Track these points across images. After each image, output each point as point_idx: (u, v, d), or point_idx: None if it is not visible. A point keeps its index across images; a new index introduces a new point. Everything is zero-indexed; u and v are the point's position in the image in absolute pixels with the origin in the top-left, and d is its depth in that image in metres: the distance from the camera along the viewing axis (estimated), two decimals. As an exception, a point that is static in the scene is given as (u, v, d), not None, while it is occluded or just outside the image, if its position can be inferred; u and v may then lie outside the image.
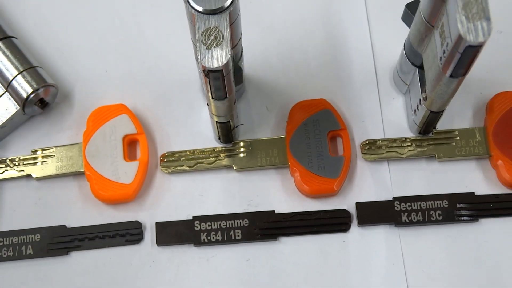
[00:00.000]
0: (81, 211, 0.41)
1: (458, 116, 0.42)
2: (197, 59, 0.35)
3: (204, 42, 0.31)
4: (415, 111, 0.39)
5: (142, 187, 0.41)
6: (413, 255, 0.39)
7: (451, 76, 0.32)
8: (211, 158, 0.41)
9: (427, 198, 0.40)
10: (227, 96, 0.34)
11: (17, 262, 0.39)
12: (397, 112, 0.43)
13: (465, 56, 0.29)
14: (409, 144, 0.41)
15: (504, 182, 0.39)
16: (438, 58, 0.32)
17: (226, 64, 0.30)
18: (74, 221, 0.41)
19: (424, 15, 0.33)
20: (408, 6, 0.36)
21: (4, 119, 0.41)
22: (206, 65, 0.30)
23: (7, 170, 0.41)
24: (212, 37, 0.31)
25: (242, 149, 0.41)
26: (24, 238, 0.40)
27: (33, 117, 0.43)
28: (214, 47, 0.31)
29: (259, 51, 0.41)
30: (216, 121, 0.38)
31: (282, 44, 0.44)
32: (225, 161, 0.41)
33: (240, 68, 0.36)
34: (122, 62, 0.44)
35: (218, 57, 0.31)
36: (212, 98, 0.34)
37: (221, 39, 0.31)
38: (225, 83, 0.33)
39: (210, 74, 0.31)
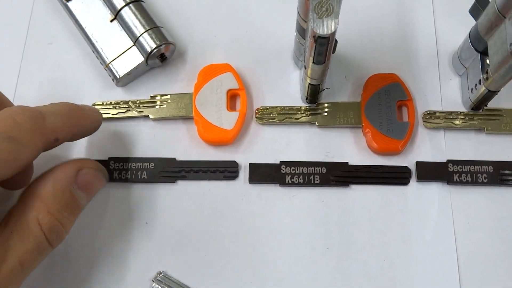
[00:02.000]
0: (188, 148, 0.42)
1: (505, 98, 0.43)
2: (298, 30, 0.37)
3: (317, 12, 0.32)
4: (472, 89, 0.41)
5: (240, 134, 0.43)
6: (461, 209, 0.41)
7: (518, 59, 0.32)
8: (298, 114, 0.43)
9: (476, 163, 0.41)
10: (325, 61, 0.36)
11: (132, 184, 0.42)
12: (453, 90, 0.44)
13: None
14: (463, 117, 0.43)
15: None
16: (508, 44, 0.33)
17: (333, 33, 0.32)
18: (182, 155, 0.42)
19: (498, 6, 0.35)
20: (477, 1, 0.38)
21: (130, 68, 0.43)
22: (317, 31, 0.32)
23: (129, 110, 0.43)
24: (323, 8, 0.32)
25: (324, 109, 0.43)
26: (140, 165, 0.42)
27: (154, 69, 0.45)
28: (325, 17, 0.32)
29: (342, 30, 0.42)
30: (309, 83, 0.40)
31: (361, 25, 0.46)
32: (309, 118, 0.43)
33: (337, 40, 0.37)
34: (228, 29, 0.46)
35: (328, 26, 0.32)
36: (313, 62, 0.36)
37: (331, 11, 0.32)
38: (327, 50, 0.34)
39: (318, 40, 0.33)
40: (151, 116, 0.43)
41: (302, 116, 0.43)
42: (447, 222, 0.40)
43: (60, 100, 0.39)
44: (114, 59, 0.43)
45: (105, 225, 0.41)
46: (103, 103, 0.44)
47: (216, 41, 0.46)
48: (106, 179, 0.36)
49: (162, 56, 0.43)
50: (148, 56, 0.42)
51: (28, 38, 0.46)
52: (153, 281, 0.36)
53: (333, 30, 0.32)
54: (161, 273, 0.36)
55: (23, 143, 0.28)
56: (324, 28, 0.32)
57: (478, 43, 0.39)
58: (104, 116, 0.42)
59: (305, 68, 0.38)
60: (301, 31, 0.38)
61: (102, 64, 0.44)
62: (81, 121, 0.34)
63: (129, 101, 0.44)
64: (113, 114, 0.43)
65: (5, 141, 0.27)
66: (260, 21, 0.46)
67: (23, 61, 0.46)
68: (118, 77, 0.43)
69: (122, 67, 0.43)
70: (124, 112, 0.44)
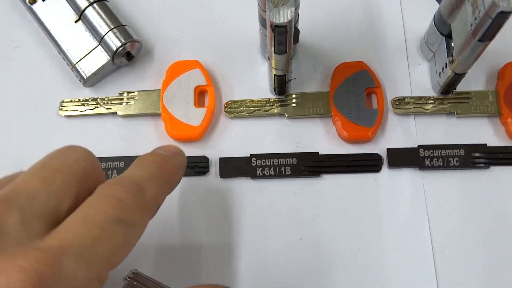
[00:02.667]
0: (157, 145, 0.39)
1: (474, 80, 0.43)
2: (260, 22, 0.37)
3: (273, 2, 0.32)
4: (439, 73, 0.40)
5: (209, 129, 0.42)
6: (434, 194, 0.40)
7: (479, 40, 0.33)
8: (266, 107, 0.42)
9: (447, 147, 0.41)
10: (287, 51, 0.35)
11: None
12: (422, 75, 0.43)
13: (495, 22, 0.31)
14: (432, 102, 0.42)
15: (512, 136, 0.39)
16: (469, 25, 0.32)
17: (290, 21, 0.31)
18: (152, 153, 0.40)
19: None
20: (440, -16, 0.36)
21: (97, 67, 0.43)
22: (274, 21, 0.31)
23: (97, 107, 0.43)
24: (280, -2, 0.30)
25: (293, 100, 0.42)
26: (110, 164, 0.42)
27: (121, 68, 0.44)
28: (281, 6, 0.31)
29: (308, 21, 0.42)
30: (274, 74, 0.39)
31: (327, 14, 0.45)
32: (278, 110, 0.42)
33: (298, 29, 0.36)
34: (195, 25, 0.45)
35: (284, 14, 0.31)
36: (274, 52, 0.35)
37: (286, 0, 0.31)
38: (287, 39, 0.34)
39: (276, 29, 0.32)
40: (119, 113, 0.43)
41: (271, 108, 0.42)
42: (420, 208, 0.40)
43: (28, 104, 0.41)
44: (80, 60, 0.43)
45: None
46: (71, 100, 0.43)
47: (183, 38, 0.45)
48: None
49: (128, 55, 0.43)
50: (113, 54, 0.42)
51: (-5, 43, 0.44)
52: (125, 279, 0.35)
53: (289, 18, 0.31)
54: (133, 271, 0.35)
55: (133, 224, 0.25)
56: (281, 17, 0.32)
57: (443, 27, 0.38)
58: (71, 113, 0.43)
59: (269, 59, 0.37)
60: (263, 23, 0.38)
61: (68, 65, 0.43)
62: (173, 177, 0.31)
63: (98, 98, 0.43)
64: (81, 111, 0.43)
65: (117, 225, 0.24)
66: (226, 16, 0.46)
67: None
68: (85, 77, 0.42)
69: (88, 67, 0.43)
70: (93, 109, 0.43)
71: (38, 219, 0.23)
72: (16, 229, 0.22)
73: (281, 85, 0.41)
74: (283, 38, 0.34)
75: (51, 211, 0.24)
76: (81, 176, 0.25)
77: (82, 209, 0.24)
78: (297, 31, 0.36)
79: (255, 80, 0.44)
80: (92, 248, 0.23)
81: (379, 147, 0.42)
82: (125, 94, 0.43)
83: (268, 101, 0.43)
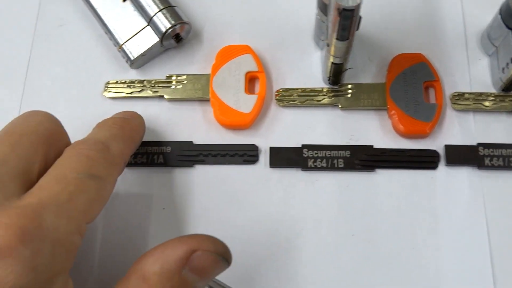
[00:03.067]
0: (205, 131, 0.40)
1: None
2: (319, 7, 0.36)
3: None
4: (503, 69, 0.38)
5: (259, 117, 0.40)
6: (493, 194, 0.38)
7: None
8: (319, 96, 0.41)
9: (508, 146, 0.39)
10: (349, 38, 0.34)
11: (148, 168, 0.40)
12: (483, 70, 0.42)
13: None
14: (493, 98, 0.41)
15: None
16: None
17: (358, 5, 0.30)
18: (199, 139, 0.40)
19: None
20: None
21: (145, 49, 0.41)
22: (342, 4, 0.30)
23: (144, 89, 0.41)
24: (348, -20, 0.28)
25: (348, 91, 0.41)
26: (157, 149, 0.40)
27: (169, 50, 0.43)
28: None
29: (364, 9, 0.38)
30: (332, 62, 0.37)
31: (384, 4, 0.44)
32: (331, 100, 0.41)
33: (361, 16, 0.35)
34: (246, 8, 0.44)
35: None
36: (337, 38, 0.34)
37: None
38: (352, 24, 0.32)
39: (343, 13, 0.31)
40: (166, 97, 0.41)
41: (324, 98, 0.41)
42: (478, 208, 0.38)
43: (73, 84, 0.40)
44: (127, 40, 0.41)
45: (121, 211, 0.38)
46: (117, 81, 0.42)
47: (233, 21, 0.43)
48: (227, 263, 0.29)
49: (177, 37, 0.41)
50: (162, 36, 0.40)
51: (39, 20, 0.44)
52: None
53: (358, 1, 0.30)
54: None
55: (104, 178, 0.28)
56: (349, 0, 0.30)
57: (510, 19, 0.36)
58: (117, 95, 0.41)
59: (328, 46, 0.36)
60: (323, 8, 0.36)
61: (115, 46, 0.42)
62: (134, 135, 0.35)
63: (144, 80, 0.42)
64: (127, 93, 0.41)
65: (89, 180, 0.27)
66: (278, 1, 0.44)
67: (33, 44, 0.44)
68: (132, 58, 0.41)
69: (136, 48, 0.41)
70: (139, 91, 0.42)
71: (11, 181, 0.25)
72: None
73: (337, 74, 0.39)
74: (348, 23, 0.32)
75: (23, 172, 0.25)
76: (47, 138, 0.28)
77: (54, 169, 0.26)
78: (360, 18, 0.35)
79: (307, 68, 0.42)
80: (69, 203, 0.25)
81: (436, 144, 0.40)
82: (174, 78, 0.42)
83: (321, 90, 0.41)
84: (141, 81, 0.42)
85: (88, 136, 0.32)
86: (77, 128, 0.38)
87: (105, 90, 0.42)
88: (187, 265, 0.28)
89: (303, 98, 0.41)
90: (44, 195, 0.25)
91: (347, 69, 0.39)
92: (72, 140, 0.33)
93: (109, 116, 0.38)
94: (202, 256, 0.28)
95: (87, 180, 0.26)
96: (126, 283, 0.28)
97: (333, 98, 0.41)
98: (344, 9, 0.30)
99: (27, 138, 0.27)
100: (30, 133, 0.27)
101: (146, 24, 0.41)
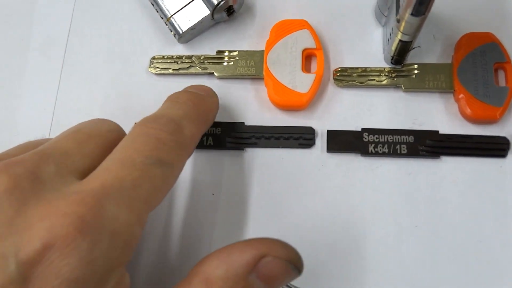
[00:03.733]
0: (257, 112, 0.38)
1: None
2: None
3: None
4: None
5: (315, 98, 0.38)
6: None
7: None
8: (381, 76, 0.38)
9: None
10: (425, 13, 0.31)
11: (196, 151, 0.38)
12: None
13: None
14: None
15: None
16: None
17: None
18: (251, 120, 0.38)
19: None
20: None
21: (194, 22, 0.39)
22: None
23: (192, 66, 0.39)
24: None
25: (414, 71, 0.38)
26: (209, 130, 0.38)
27: (219, 24, 0.40)
28: None
29: None
30: (400, 40, 0.35)
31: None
32: (394, 81, 0.38)
33: None
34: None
35: None
36: (411, 14, 0.31)
37: None
38: (431, -2, 0.28)
39: None
40: (216, 74, 0.39)
41: (385, 79, 0.38)
42: None
43: (116, 58, 0.38)
44: (176, 12, 0.39)
45: (170, 195, 0.36)
46: (163, 56, 0.39)
47: (287, -6, 0.39)
48: (298, 272, 0.26)
49: (229, 9, 0.39)
50: (214, 8, 0.38)
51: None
52: None
53: None
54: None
55: (172, 165, 0.26)
56: None
57: None
58: (164, 71, 0.39)
59: (398, 22, 0.33)
60: None
61: (162, 18, 0.39)
62: (208, 116, 0.32)
63: (193, 56, 0.39)
64: (174, 70, 0.39)
65: (157, 166, 0.25)
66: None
67: (74, 12, 0.42)
68: (180, 32, 0.38)
69: (185, 21, 0.39)
70: (187, 68, 0.39)
71: (71, 174, 0.24)
72: (52, 179, 0.22)
73: (402, 53, 0.36)
74: (428, -4, 0.28)
75: (83, 170, 0.24)
76: (114, 146, 0.26)
77: (120, 150, 0.25)
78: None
79: (367, 46, 0.39)
80: (132, 190, 0.23)
81: (506, 130, 0.37)
82: (226, 53, 0.39)
83: (382, 70, 0.39)
84: (189, 57, 0.39)
85: (159, 112, 0.29)
86: (120, 106, 0.36)
87: (150, 66, 0.39)
88: (255, 271, 0.25)
89: (363, 78, 0.38)
90: (108, 180, 0.23)
91: (413, 48, 0.36)
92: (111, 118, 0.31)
93: (153, 94, 0.37)
94: (272, 262, 0.25)
95: (154, 167, 0.25)
96: (187, 286, 0.26)
97: (395, 79, 0.38)
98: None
99: (95, 140, 0.26)
100: (99, 136, 0.26)
101: (197, -5, 0.37)
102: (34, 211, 0.21)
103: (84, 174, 0.24)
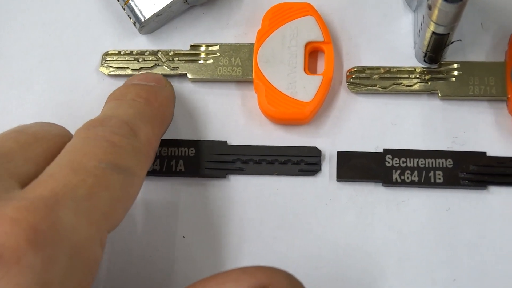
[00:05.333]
0: (245, 127, 0.41)
1: None
2: None
3: None
4: None
5: (322, 107, 0.41)
6: None
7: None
8: (410, 79, 0.41)
9: None
10: None
11: (162, 179, 0.41)
12: None
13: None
14: None
15: None
16: None
17: None
18: (236, 137, 0.41)
19: None
20: None
21: (161, 7, 0.41)
22: None
23: (158, 64, 0.42)
24: None
25: (453, 73, 0.40)
26: (175, 151, 0.40)
27: (194, 8, 0.43)
28: None
29: None
30: (433, 32, 0.37)
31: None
32: (427, 85, 0.41)
33: None
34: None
35: None
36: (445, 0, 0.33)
37: None
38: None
39: None
40: (190, 76, 0.41)
41: (416, 82, 0.41)
42: None
43: (57, 54, 0.41)
44: (136, -7, 0.39)
45: (125, 240, 0.39)
46: (119, 52, 0.42)
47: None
48: None
49: (208, -11, 0.39)
50: (187, -13, 0.38)
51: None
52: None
53: None
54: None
55: (131, 171, 0.29)
56: None
57: None
58: (119, 72, 0.41)
59: (429, 9, 0.36)
60: None
61: (118, 2, 0.41)
62: (164, 113, 0.35)
63: (159, 51, 0.42)
64: (134, 70, 0.41)
65: (114, 172, 0.28)
66: None
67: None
68: (142, 19, 0.41)
69: (149, 5, 0.41)
70: (151, 67, 0.41)
71: (12, 179, 0.26)
72: None
73: (438, 48, 0.39)
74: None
75: (27, 176, 0.26)
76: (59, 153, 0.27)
77: (67, 155, 0.27)
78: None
79: (393, 38, 0.42)
80: (89, 200, 0.26)
81: None
82: (202, 48, 0.42)
83: (412, 71, 0.41)
84: (154, 53, 0.42)
85: (105, 114, 0.32)
86: (61, 118, 0.38)
87: (102, 65, 0.42)
88: None
89: (386, 81, 0.41)
90: (58, 186, 0.25)
91: (452, 42, 0.39)
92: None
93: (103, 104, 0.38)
94: None
95: (111, 173, 0.27)
96: None
97: (429, 83, 0.41)
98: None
99: (41, 143, 0.28)
100: (46, 140, 0.29)
101: (164, -30, 0.39)
102: None
103: (25, 182, 0.26)
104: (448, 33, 0.38)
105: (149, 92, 0.33)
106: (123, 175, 0.28)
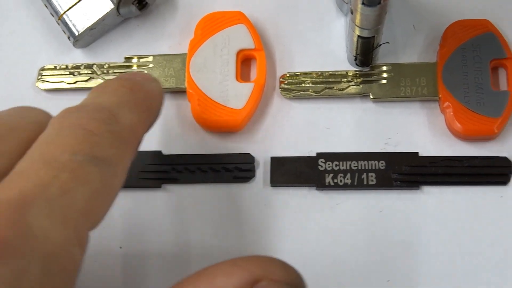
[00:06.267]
0: (178, 137, 0.41)
1: None
2: None
3: None
4: None
5: (256, 114, 0.41)
6: None
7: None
8: (343, 83, 0.41)
9: None
10: (381, 1, 0.34)
11: None
12: None
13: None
14: None
15: None
16: None
17: None
18: (171, 147, 0.41)
19: None
20: None
21: (95, 20, 0.41)
22: None
23: (93, 77, 0.42)
24: None
25: (383, 75, 0.41)
26: None
27: (128, 20, 0.43)
28: None
29: None
30: (358, 35, 0.38)
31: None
32: (360, 88, 0.41)
33: None
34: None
35: None
36: (363, 3, 0.34)
37: None
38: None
39: None
40: (139, 88, 0.39)
41: (349, 86, 0.41)
42: None
43: None
44: (70, 8, 0.42)
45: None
46: (55, 66, 0.42)
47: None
48: None
49: (140, 2, 0.42)
50: (119, 1, 0.41)
51: None
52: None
53: None
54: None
55: (111, 162, 0.26)
56: None
57: None
58: (56, 86, 0.42)
59: (352, 13, 0.36)
60: None
61: (53, 16, 0.42)
62: (151, 103, 0.32)
63: (94, 64, 0.42)
64: (69, 83, 0.42)
65: (91, 164, 0.25)
66: None
67: None
68: (76, 33, 0.42)
69: (82, 19, 0.42)
70: (86, 80, 0.42)
71: None
72: None
73: (366, 52, 0.39)
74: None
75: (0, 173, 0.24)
76: None
77: (38, 148, 0.25)
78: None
79: (326, 43, 0.43)
80: (63, 198, 0.23)
81: (507, 148, 0.40)
82: (134, 60, 0.42)
83: (345, 75, 0.42)
84: (89, 66, 0.42)
85: (84, 101, 0.30)
86: None
87: (38, 80, 0.42)
88: None
89: (319, 86, 0.41)
90: (27, 186, 0.23)
91: (380, 45, 0.39)
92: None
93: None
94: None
95: (87, 165, 0.25)
96: None
97: (361, 86, 0.41)
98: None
99: (15, 134, 0.26)
100: (21, 130, 0.27)
101: (96, -16, 0.40)
102: None
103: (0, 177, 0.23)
104: (374, 36, 0.38)
105: (134, 83, 0.31)
106: (102, 167, 0.25)
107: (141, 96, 0.31)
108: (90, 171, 0.25)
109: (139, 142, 0.31)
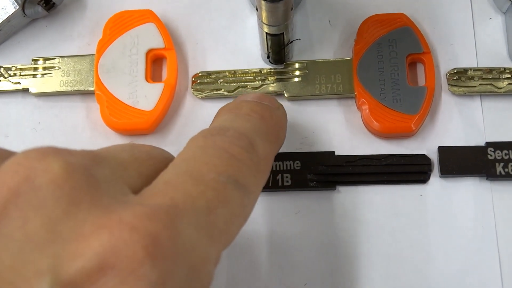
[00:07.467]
0: (92, 140, 0.40)
1: None
2: None
3: None
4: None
5: (168, 115, 0.40)
6: (508, 217, 0.38)
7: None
8: (256, 82, 0.40)
9: (531, 145, 0.36)
10: None
11: None
12: (495, 35, 0.41)
13: None
14: (509, 76, 0.40)
15: None
16: None
17: None
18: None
19: None
20: None
21: (0, 21, 0.40)
22: None
23: (0, 80, 0.40)
24: None
25: (296, 72, 0.40)
26: None
27: (36, 21, 0.42)
28: None
29: None
30: (266, 33, 0.37)
31: None
32: (274, 87, 0.40)
33: None
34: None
35: None
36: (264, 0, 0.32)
37: None
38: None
39: None
40: (32, 90, 0.41)
41: (262, 84, 0.40)
42: (487, 237, 0.38)
43: None
44: (-28, 9, 0.38)
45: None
46: (-43, 70, 0.39)
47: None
48: None
49: (47, 2, 0.41)
50: (24, 1, 0.40)
51: None
52: None
53: None
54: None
55: (250, 189, 0.27)
56: None
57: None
58: None
59: (257, 11, 0.35)
60: None
61: (-45, 18, 0.39)
62: (279, 133, 0.33)
63: (1, 67, 0.41)
64: (-27, 87, 0.39)
65: (233, 188, 0.26)
66: None
67: None
68: (-20, 35, 0.38)
69: (-15, 21, 0.38)
70: (-8, 83, 0.39)
71: (125, 185, 0.24)
72: (108, 183, 0.23)
73: (278, 49, 0.39)
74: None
75: (139, 189, 0.25)
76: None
77: (183, 163, 0.26)
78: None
79: (239, 41, 0.42)
80: (209, 215, 0.24)
81: (426, 146, 0.40)
82: (40, 62, 0.41)
83: (259, 73, 0.41)
84: (-5, 69, 0.39)
85: (222, 124, 0.30)
86: None
87: None
88: None
89: (232, 85, 0.41)
90: (177, 197, 0.24)
91: (291, 41, 0.39)
92: None
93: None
94: None
95: (231, 188, 0.25)
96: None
97: (275, 84, 0.40)
98: None
99: (154, 161, 0.27)
100: (158, 159, 0.27)
101: (0, -15, 0.39)
102: (87, 215, 0.21)
103: (137, 191, 0.24)
104: (282, 33, 0.37)
105: (264, 109, 0.32)
106: (242, 192, 0.26)
107: (272, 124, 0.32)
108: (232, 195, 0.26)
109: (269, 171, 0.31)
